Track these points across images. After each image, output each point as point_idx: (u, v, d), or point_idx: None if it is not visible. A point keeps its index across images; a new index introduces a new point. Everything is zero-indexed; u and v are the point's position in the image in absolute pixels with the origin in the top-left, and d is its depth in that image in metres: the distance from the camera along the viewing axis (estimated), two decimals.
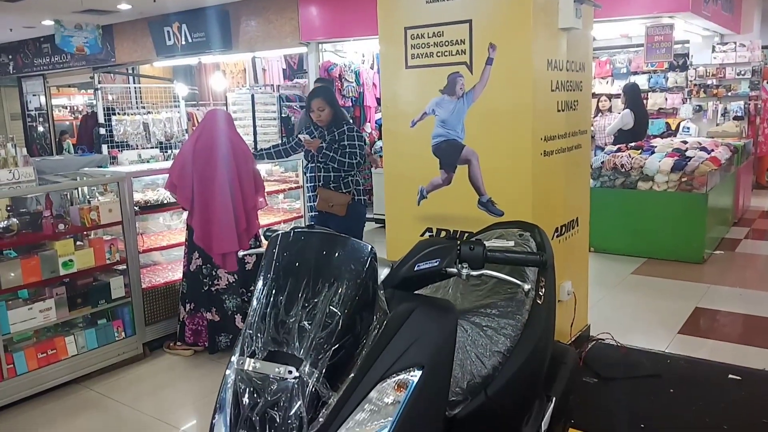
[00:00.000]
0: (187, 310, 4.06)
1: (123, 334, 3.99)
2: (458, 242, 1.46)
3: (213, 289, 4.00)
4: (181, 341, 4.13)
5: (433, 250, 1.43)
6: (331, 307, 1.27)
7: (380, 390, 1.27)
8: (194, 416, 3.33)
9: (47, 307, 3.59)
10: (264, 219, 5.29)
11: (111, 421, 3.35)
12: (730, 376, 3.47)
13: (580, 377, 3.43)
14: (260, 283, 1.35)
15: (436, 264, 1.40)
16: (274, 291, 1.31)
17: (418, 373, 1.29)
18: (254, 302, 1.34)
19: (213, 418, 1.40)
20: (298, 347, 1.24)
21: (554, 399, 2.08)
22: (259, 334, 1.28)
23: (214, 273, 3.99)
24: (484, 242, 1.43)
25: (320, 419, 1.22)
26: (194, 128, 3.89)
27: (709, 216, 5.86)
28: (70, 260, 3.66)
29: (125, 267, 3.99)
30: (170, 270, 4.53)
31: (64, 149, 11.29)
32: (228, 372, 1.43)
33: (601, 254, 5.91)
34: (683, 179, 5.84)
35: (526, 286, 1.41)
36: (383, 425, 1.24)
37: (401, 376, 1.28)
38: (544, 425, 2.01)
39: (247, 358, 1.27)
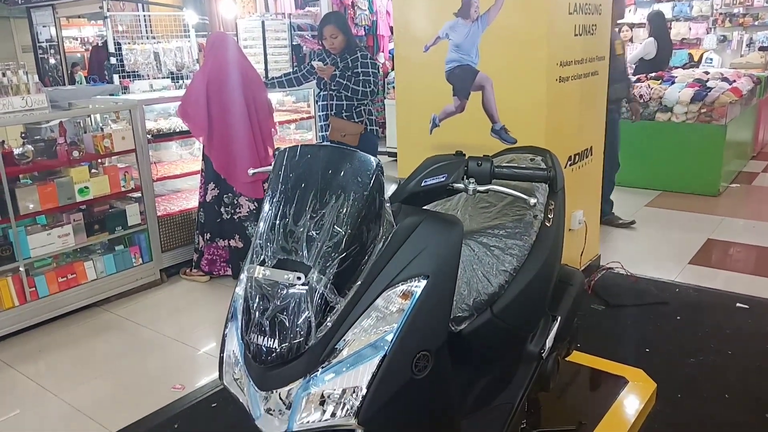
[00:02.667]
0: (204, 239, 4.14)
1: (140, 260, 4.09)
2: (466, 158, 1.46)
3: (236, 217, 4.06)
4: (197, 269, 4.23)
5: (441, 165, 1.44)
6: (338, 218, 1.29)
7: (386, 298, 1.30)
8: (212, 338, 3.44)
9: (65, 232, 3.67)
10: None
11: (131, 341, 3.47)
12: (738, 304, 3.50)
13: (588, 304, 3.48)
14: (269, 196, 1.37)
15: (443, 179, 1.41)
16: (282, 202, 1.33)
17: (423, 283, 1.32)
18: (263, 214, 1.36)
19: (225, 327, 1.46)
20: (307, 255, 1.27)
21: (559, 319, 2.12)
22: (268, 243, 1.31)
23: (236, 201, 4.04)
24: (492, 159, 1.43)
25: (328, 323, 1.26)
26: (204, 55, 3.86)
27: (726, 148, 5.76)
28: (86, 187, 3.71)
29: (140, 195, 4.05)
30: (185, 198, 4.58)
31: (77, 81, 11.22)
32: (238, 288, 1.47)
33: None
34: (702, 110, 5.72)
35: (533, 200, 1.42)
36: (388, 331, 1.28)
37: (406, 285, 1.32)
38: (548, 344, 2.06)
39: (257, 266, 1.30)
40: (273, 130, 4.16)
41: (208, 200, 4.08)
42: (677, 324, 3.32)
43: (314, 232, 1.28)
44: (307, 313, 1.24)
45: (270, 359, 1.26)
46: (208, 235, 4.14)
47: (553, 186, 2.06)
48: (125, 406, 2.82)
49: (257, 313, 1.28)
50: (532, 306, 1.94)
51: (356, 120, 4.33)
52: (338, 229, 1.28)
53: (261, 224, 1.36)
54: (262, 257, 1.31)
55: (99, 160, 3.95)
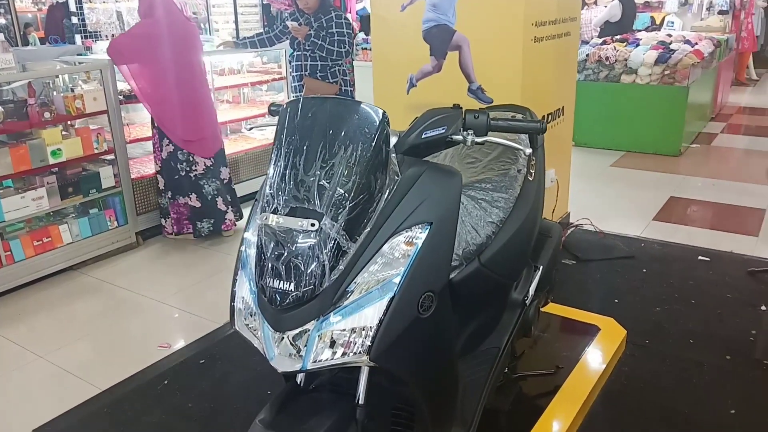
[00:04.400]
0: (167, 198, 4.14)
1: (115, 223, 4.06)
2: (463, 111, 1.52)
3: (191, 175, 4.06)
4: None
5: (440, 118, 1.50)
6: (347, 168, 1.34)
7: (392, 244, 1.37)
8: (194, 297, 3.48)
9: (39, 195, 3.62)
10: (246, 111, 5.28)
11: (112, 303, 3.48)
12: (700, 257, 3.69)
13: (560, 258, 3.62)
14: (276, 147, 1.41)
15: (442, 131, 1.47)
16: (291, 153, 1.37)
17: (426, 230, 1.40)
18: (272, 165, 1.40)
19: (235, 275, 1.51)
20: (319, 203, 1.32)
21: (541, 268, 2.23)
22: (280, 193, 1.36)
23: (191, 158, 4.04)
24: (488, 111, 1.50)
25: (340, 267, 1.33)
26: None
27: (688, 110, 5.95)
28: (59, 149, 3.65)
29: (113, 157, 4.00)
30: None
31: (30, 43, 10.79)
32: (247, 233, 1.52)
33: (581, 148, 6.02)
34: (666, 72, 5.88)
35: (528, 150, 1.49)
36: (395, 274, 1.35)
37: (411, 232, 1.39)
38: (531, 292, 2.17)
39: (270, 214, 1.35)
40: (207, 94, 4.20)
41: (164, 157, 4.07)
42: (643, 276, 3.49)
43: (325, 182, 1.33)
44: (320, 257, 1.30)
45: (286, 302, 1.32)
46: (170, 193, 4.13)
47: (534, 142, 2.15)
48: (112, 365, 2.85)
49: (272, 258, 1.33)
50: (516, 256, 2.03)
51: (331, 80, 4.33)
52: (348, 178, 1.33)
53: (270, 174, 1.40)
54: (274, 206, 1.36)
55: (70, 122, 3.88)
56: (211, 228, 4.20)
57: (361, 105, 1.40)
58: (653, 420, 2.33)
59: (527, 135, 2.11)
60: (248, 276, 1.45)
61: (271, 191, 1.37)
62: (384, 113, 1.38)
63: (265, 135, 5.33)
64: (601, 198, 4.88)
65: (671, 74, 5.86)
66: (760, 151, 6.24)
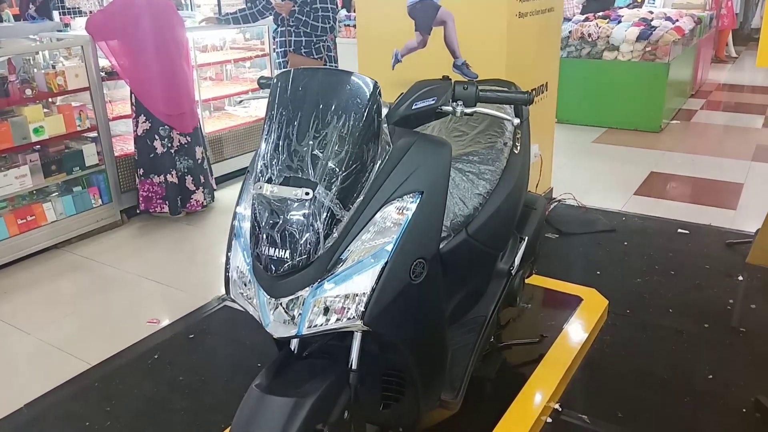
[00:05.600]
0: (138, 175, 4.13)
1: (100, 201, 4.05)
2: (452, 82, 1.55)
3: (171, 151, 4.05)
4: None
5: (430, 89, 1.52)
6: (340, 137, 1.36)
7: (384, 213, 1.40)
8: (180, 274, 3.49)
9: (22, 173, 3.59)
10: (229, 89, 5.25)
11: (98, 280, 3.48)
12: (679, 230, 3.78)
13: (544, 231, 3.68)
14: (269, 118, 1.42)
15: (432, 102, 1.50)
16: (285, 124, 1.39)
17: (417, 198, 1.43)
18: (264, 136, 1.42)
19: (228, 246, 1.53)
20: (312, 173, 1.35)
21: (526, 239, 2.28)
22: (274, 162, 1.38)
23: (171, 135, 4.03)
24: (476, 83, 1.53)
25: (334, 234, 1.36)
26: None
27: (669, 87, 6.02)
28: (41, 126, 3.61)
29: (96, 134, 3.97)
30: None
31: (3, 20, 10.54)
32: (239, 207, 1.54)
33: (564, 125, 6.07)
34: (647, 49, 5.93)
35: (516, 120, 1.53)
36: (388, 242, 1.39)
37: (402, 201, 1.42)
38: (516, 262, 2.22)
39: (265, 184, 1.37)
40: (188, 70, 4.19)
41: (139, 134, 4.05)
42: (625, 249, 3.56)
43: (318, 151, 1.36)
44: (315, 225, 1.33)
45: (281, 269, 1.35)
46: (141, 170, 4.11)
47: (520, 115, 2.18)
48: (102, 340, 2.87)
49: (267, 227, 1.35)
50: (502, 227, 2.08)
51: (315, 56, 4.32)
52: (341, 148, 1.36)
53: (263, 145, 1.41)
54: (268, 176, 1.38)
55: (52, 99, 3.84)
56: (180, 205, 4.19)
57: (353, 75, 1.42)
58: (634, 385, 2.41)
59: (513, 109, 2.15)
60: (242, 246, 1.47)
61: (265, 161, 1.39)
62: (376, 83, 1.41)
63: (249, 113, 5.30)
64: (583, 173, 4.94)
65: (652, 51, 5.91)
66: (738, 128, 6.34)
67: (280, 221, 1.34)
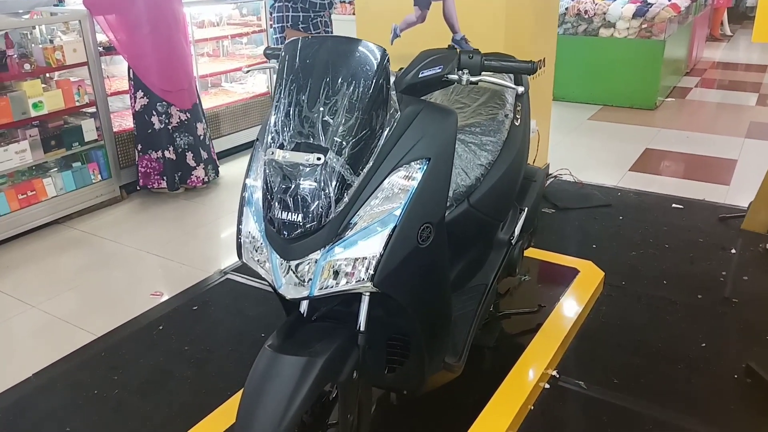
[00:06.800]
0: (137, 151, 4.14)
1: (99, 176, 4.06)
2: (458, 51, 1.57)
3: (169, 127, 4.06)
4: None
5: (436, 58, 1.55)
6: (350, 104, 1.39)
7: (392, 179, 1.44)
8: (180, 248, 3.52)
9: (22, 148, 3.60)
10: (226, 65, 5.24)
11: (100, 254, 3.51)
12: (674, 205, 3.83)
13: (542, 204, 3.73)
14: (279, 86, 1.45)
15: (438, 70, 1.53)
16: (295, 91, 1.42)
17: (425, 165, 1.47)
18: (275, 104, 1.45)
19: (240, 213, 1.56)
20: (323, 138, 1.38)
21: (526, 210, 2.32)
22: (285, 129, 1.41)
23: (169, 111, 4.04)
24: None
25: (345, 199, 1.40)
26: None
27: (664, 64, 6.05)
28: (40, 101, 3.61)
29: (95, 110, 3.97)
30: None
31: None
32: (248, 179, 1.58)
33: (559, 102, 6.10)
34: (643, 26, 5.94)
35: (520, 89, 1.56)
36: (396, 207, 1.43)
37: (410, 167, 1.45)
38: (516, 232, 2.26)
39: (277, 150, 1.40)
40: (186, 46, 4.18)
41: (137, 110, 4.05)
42: (620, 223, 3.62)
43: (329, 118, 1.39)
44: (326, 190, 1.37)
45: (294, 233, 1.39)
46: (140, 146, 4.13)
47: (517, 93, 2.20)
48: (105, 312, 2.91)
49: (280, 192, 1.39)
50: (503, 197, 2.12)
51: (313, 32, 4.31)
52: (351, 114, 1.39)
53: (273, 112, 1.44)
54: (280, 142, 1.41)
55: (50, 74, 3.83)
56: (179, 182, 4.21)
57: (362, 43, 1.45)
58: (629, 353, 2.48)
59: (513, 81, 2.17)
60: (254, 212, 1.51)
61: (276, 128, 1.42)
62: (384, 51, 1.43)
63: (246, 89, 5.30)
64: (579, 150, 4.98)
65: (648, 28, 5.93)
66: (732, 105, 6.39)
67: (293, 186, 1.37)
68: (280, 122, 1.41)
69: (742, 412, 2.15)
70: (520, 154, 2.17)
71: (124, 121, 4.36)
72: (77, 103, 3.85)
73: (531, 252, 2.98)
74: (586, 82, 6.26)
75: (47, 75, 3.80)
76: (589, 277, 2.91)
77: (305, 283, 1.40)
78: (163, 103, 4.01)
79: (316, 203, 1.37)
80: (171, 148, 4.10)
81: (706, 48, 9.11)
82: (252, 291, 3.01)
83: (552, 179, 4.19)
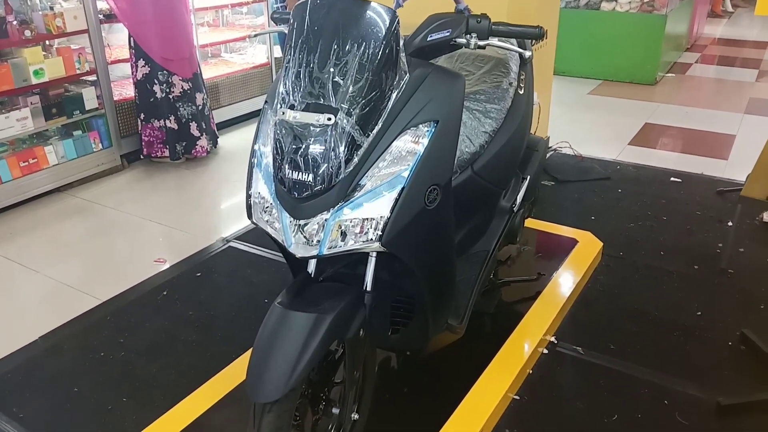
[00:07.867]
0: (141, 120, 4.14)
1: (100, 145, 4.06)
2: (466, 15, 1.59)
3: (170, 96, 4.06)
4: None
5: (444, 21, 1.56)
6: (360, 65, 1.41)
7: (401, 141, 1.46)
8: (182, 216, 3.55)
9: (23, 116, 3.59)
10: (226, 35, 5.21)
11: (103, 222, 3.54)
12: (672, 179, 3.86)
13: (542, 177, 3.75)
14: (289, 47, 1.46)
15: (447, 34, 1.54)
16: (306, 52, 1.43)
17: (433, 127, 1.49)
18: (284, 65, 1.46)
19: (249, 176, 1.59)
20: (334, 99, 1.40)
21: (528, 178, 2.35)
22: (296, 89, 1.42)
23: (170, 80, 4.03)
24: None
25: (355, 159, 1.42)
26: None
27: (665, 39, 6.03)
28: (41, 69, 3.60)
29: (96, 78, 3.96)
30: None
31: None
32: (256, 145, 1.60)
33: (560, 76, 6.09)
34: (645, 0, 5.92)
35: (527, 53, 1.57)
36: (404, 168, 1.45)
37: (419, 130, 1.47)
38: (518, 200, 2.29)
39: (287, 110, 1.42)
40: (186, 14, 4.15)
41: (139, 78, 4.05)
42: (619, 196, 3.65)
43: (339, 78, 1.40)
44: (336, 150, 1.39)
45: (304, 192, 1.41)
46: (143, 115, 4.13)
47: (523, 58, 2.22)
48: (110, 278, 2.94)
49: (290, 152, 1.41)
50: (506, 165, 2.15)
51: None
52: (361, 75, 1.40)
53: (284, 74, 1.46)
54: (290, 102, 1.43)
55: (50, 42, 3.81)
56: (183, 151, 4.22)
57: (372, 5, 1.46)
58: (626, 320, 2.53)
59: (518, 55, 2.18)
60: (264, 174, 1.53)
61: (286, 89, 1.43)
62: (394, 12, 1.44)
63: (245, 59, 5.28)
64: (579, 124, 5.00)
65: (650, 2, 5.90)
66: (732, 81, 6.38)
67: (303, 146, 1.39)
68: (290, 83, 1.43)
69: (735, 377, 2.21)
70: (523, 123, 2.19)
71: (124, 90, 4.35)
72: (78, 71, 3.84)
73: (531, 222, 3.02)
74: (587, 56, 6.25)
75: (47, 42, 3.78)
76: (587, 247, 2.95)
77: (315, 242, 1.43)
78: (164, 72, 4.00)
79: (326, 164, 1.39)
80: (173, 118, 4.10)
81: (707, 24, 9.06)
82: (255, 258, 3.04)
83: (552, 152, 4.21)
